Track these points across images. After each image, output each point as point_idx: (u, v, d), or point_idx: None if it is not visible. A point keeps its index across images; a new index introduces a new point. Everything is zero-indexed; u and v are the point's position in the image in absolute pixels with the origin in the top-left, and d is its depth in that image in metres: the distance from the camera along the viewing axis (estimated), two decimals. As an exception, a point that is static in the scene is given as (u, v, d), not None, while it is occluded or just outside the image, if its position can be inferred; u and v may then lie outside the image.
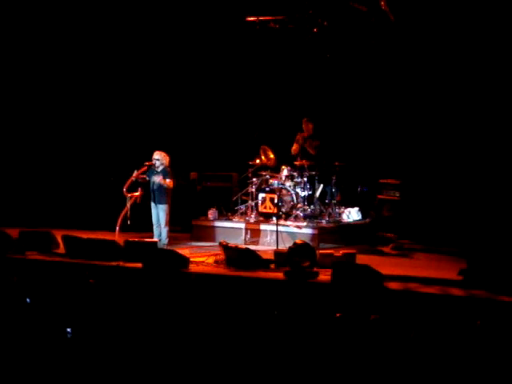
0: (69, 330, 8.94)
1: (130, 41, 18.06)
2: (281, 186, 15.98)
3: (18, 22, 18.08)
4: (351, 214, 16.39)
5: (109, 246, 13.68)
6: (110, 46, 18.18)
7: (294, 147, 16.49)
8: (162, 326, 9.43)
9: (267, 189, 15.94)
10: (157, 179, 14.68)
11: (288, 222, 15.55)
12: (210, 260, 13.79)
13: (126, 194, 14.97)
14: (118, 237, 14.63)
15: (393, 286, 11.67)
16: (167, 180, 14.68)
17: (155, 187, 14.79)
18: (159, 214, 14.83)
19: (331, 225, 15.89)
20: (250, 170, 16.28)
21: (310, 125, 16.46)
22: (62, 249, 14.13)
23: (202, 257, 14.06)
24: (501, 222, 13.77)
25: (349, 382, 8.03)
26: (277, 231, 14.87)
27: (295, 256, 12.59)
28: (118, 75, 18.31)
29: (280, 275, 12.51)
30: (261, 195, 15.93)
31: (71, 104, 18.58)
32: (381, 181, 16.30)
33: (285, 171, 16.12)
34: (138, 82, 18.35)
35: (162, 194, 14.79)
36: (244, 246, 14.12)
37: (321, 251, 13.50)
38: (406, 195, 15.98)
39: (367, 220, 16.46)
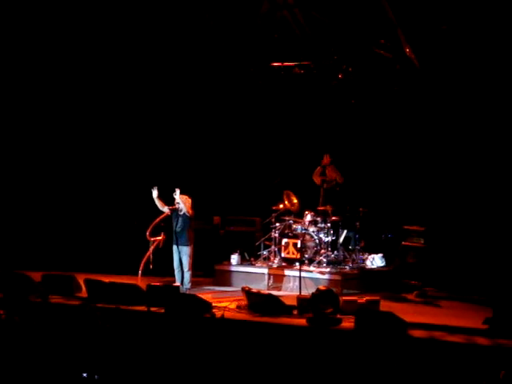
0: (85, 374, 8.89)
1: (158, 83, 18.18)
2: (304, 231, 15.93)
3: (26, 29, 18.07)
4: (375, 261, 16.31)
5: (131, 290, 13.64)
6: (143, 83, 18.27)
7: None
8: (185, 370, 9.37)
9: (290, 234, 15.89)
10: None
11: (311, 268, 15.46)
12: (233, 305, 13.70)
13: (149, 238, 15.02)
14: (140, 281, 14.60)
15: (417, 334, 11.54)
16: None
17: (178, 229, 14.76)
18: (182, 258, 14.79)
19: (355, 271, 15.79)
20: (274, 214, 16.24)
21: (337, 172, 16.51)
22: (84, 292, 14.10)
23: (224, 302, 13.97)
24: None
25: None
26: (300, 277, 14.77)
27: (318, 302, 12.49)
28: (142, 119, 18.44)
29: (303, 321, 12.39)
30: (284, 240, 15.88)
31: (94, 148, 18.68)
32: (405, 227, 16.19)
33: (308, 216, 16.08)
34: (161, 126, 18.45)
35: (184, 236, 14.76)
36: (267, 292, 14.04)
37: (344, 298, 13.38)
38: (430, 242, 15.87)
39: (391, 267, 16.34)
